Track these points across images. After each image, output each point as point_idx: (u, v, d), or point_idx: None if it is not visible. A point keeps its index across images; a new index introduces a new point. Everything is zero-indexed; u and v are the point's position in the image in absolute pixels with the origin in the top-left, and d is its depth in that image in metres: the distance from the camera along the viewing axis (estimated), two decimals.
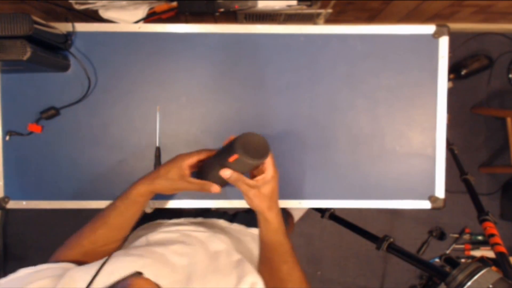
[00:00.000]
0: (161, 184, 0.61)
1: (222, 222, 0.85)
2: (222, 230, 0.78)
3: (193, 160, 0.62)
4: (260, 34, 0.81)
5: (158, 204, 0.81)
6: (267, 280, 0.62)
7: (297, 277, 0.64)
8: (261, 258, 0.67)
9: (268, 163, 0.59)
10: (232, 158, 0.56)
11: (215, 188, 0.61)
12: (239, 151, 0.55)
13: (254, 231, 0.84)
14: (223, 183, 0.62)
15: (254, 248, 0.74)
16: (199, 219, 0.85)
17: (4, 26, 0.64)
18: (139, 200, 0.63)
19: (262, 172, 0.60)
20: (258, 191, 0.59)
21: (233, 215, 0.90)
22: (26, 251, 1.95)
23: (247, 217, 0.88)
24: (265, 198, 0.60)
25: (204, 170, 0.64)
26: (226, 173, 0.58)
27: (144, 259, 0.54)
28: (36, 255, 1.95)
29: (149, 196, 0.64)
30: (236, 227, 0.84)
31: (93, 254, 0.60)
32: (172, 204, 0.81)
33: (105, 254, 0.57)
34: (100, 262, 0.53)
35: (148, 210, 0.80)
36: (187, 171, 0.61)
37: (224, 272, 0.60)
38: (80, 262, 0.59)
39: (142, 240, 0.66)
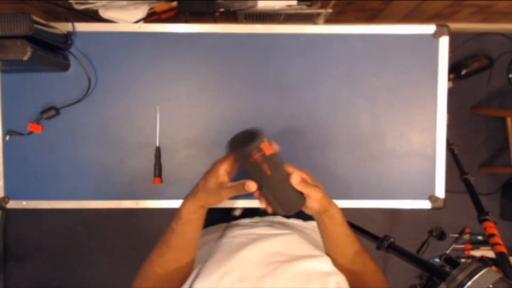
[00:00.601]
0: (203, 197, 0.58)
1: (279, 218, 0.84)
2: (283, 226, 0.77)
3: (227, 164, 0.57)
4: (260, 34, 0.81)
5: None
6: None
7: (372, 265, 0.64)
8: (331, 255, 0.65)
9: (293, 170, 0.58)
10: (254, 157, 0.51)
11: (249, 185, 0.54)
12: (233, 150, 0.53)
13: (313, 223, 0.83)
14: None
15: (319, 240, 0.72)
16: (256, 219, 0.84)
17: (4, 26, 0.64)
18: (192, 218, 0.60)
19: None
20: (321, 189, 0.58)
21: None
22: (26, 251, 1.95)
23: (299, 213, 0.87)
24: (325, 195, 0.59)
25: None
26: (295, 178, 0.55)
27: (228, 277, 0.55)
28: (36, 255, 1.95)
29: (201, 211, 0.60)
30: (294, 221, 0.83)
31: (169, 280, 0.59)
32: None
33: (181, 278, 0.57)
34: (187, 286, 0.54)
35: (237, 212, 0.79)
36: (225, 178, 0.57)
37: (306, 275, 0.58)
38: None
39: (214, 250, 0.64)
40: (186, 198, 0.60)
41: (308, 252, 0.64)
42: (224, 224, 0.81)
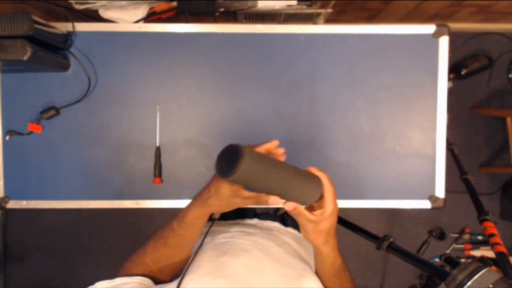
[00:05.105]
0: (213, 204, 0.56)
1: (277, 225, 0.82)
2: (280, 234, 0.76)
3: None
4: (260, 34, 0.81)
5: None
6: None
7: None
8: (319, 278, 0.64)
9: (329, 198, 0.55)
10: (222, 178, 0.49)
11: (274, 201, 0.52)
12: (218, 173, 0.50)
13: None
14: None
15: (310, 249, 0.72)
16: (255, 220, 0.83)
17: (4, 26, 0.64)
18: (196, 222, 0.59)
19: (322, 206, 0.55)
20: (316, 226, 0.55)
21: (281, 219, 0.86)
22: (26, 251, 1.95)
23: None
24: (321, 234, 0.56)
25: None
26: (289, 205, 0.53)
27: (218, 281, 0.54)
28: (36, 255, 1.95)
29: (206, 217, 0.59)
30: (291, 230, 0.82)
31: (158, 272, 0.60)
32: None
33: (170, 272, 0.59)
34: (176, 282, 0.53)
35: (217, 216, 0.79)
36: (238, 185, 0.55)
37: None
38: (149, 278, 0.59)
39: (208, 249, 0.64)
40: (194, 202, 0.59)
41: (299, 268, 0.64)
42: (219, 221, 0.79)
